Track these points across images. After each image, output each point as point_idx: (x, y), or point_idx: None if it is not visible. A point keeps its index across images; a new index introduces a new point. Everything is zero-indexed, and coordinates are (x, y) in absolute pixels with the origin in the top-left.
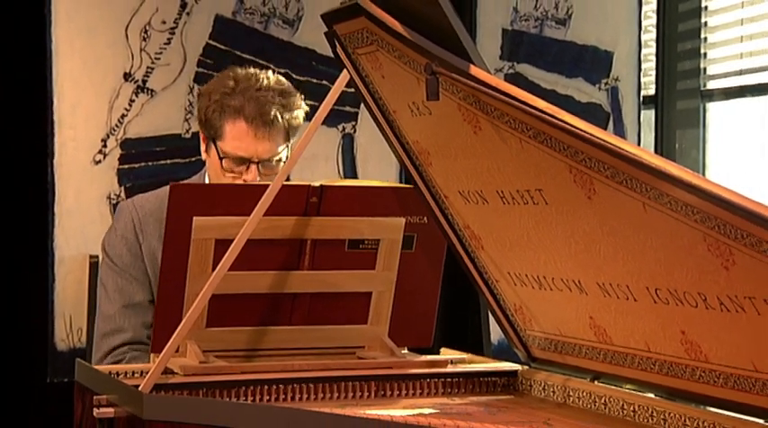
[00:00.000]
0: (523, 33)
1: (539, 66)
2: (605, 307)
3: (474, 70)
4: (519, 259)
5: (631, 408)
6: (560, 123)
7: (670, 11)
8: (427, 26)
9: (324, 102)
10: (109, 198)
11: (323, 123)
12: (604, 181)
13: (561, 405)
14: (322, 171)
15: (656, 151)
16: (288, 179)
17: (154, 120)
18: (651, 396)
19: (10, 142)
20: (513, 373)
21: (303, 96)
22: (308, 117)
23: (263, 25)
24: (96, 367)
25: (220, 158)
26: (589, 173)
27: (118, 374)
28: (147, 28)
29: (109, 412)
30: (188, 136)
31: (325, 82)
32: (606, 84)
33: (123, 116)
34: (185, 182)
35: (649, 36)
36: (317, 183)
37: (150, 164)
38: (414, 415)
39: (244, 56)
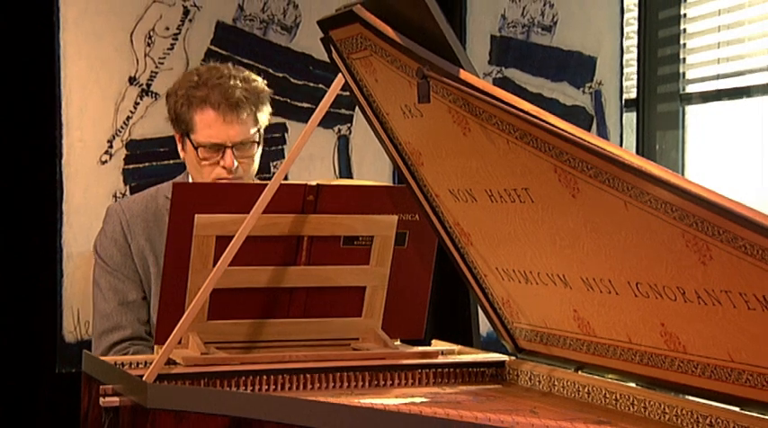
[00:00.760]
0: (511, 39)
1: (525, 70)
2: (588, 301)
3: (463, 74)
4: (506, 255)
5: (613, 397)
6: (546, 125)
7: (651, 18)
8: (419, 32)
9: (320, 105)
10: (115, 196)
11: (319, 125)
12: (588, 180)
13: (546, 394)
14: (318, 171)
15: (637, 152)
16: (286, 178)
17: (158, 122)
18: (632, 385)
19: (20, 143)
20: (501, 364)
21: (267, 80)
22: (305, 119)
23: (262, 31)
24: (102, 358)
25: (195, 149)
26: (573, 173)
27: (123, 365)
28: (152, 34)
29: (114, 401)
30: None
31: (321, 85)
32: (590, 87)
33: (128, 118)
34: (165, 184)
35: (631, 42)
36: (313, 183)
37: (154, 164)
38: (406, 404)
39: (243, 60)
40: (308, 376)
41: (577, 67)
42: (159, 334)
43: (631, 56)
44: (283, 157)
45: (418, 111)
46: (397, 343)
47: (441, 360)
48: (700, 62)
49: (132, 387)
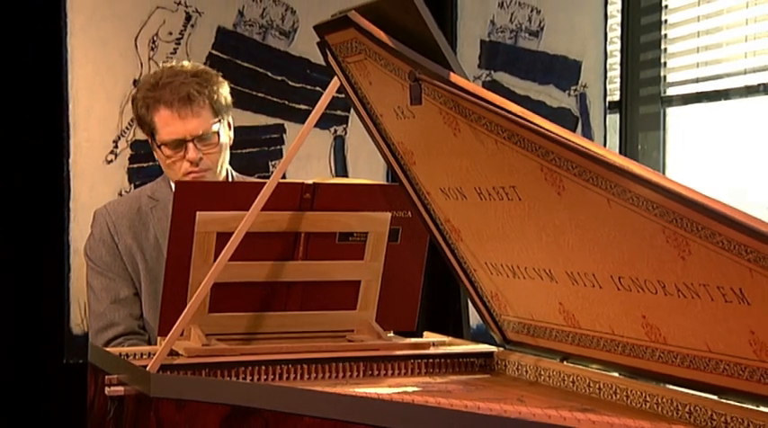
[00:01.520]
0: (500, 44)
1: (514, 74)
2: (573, 294)
3: (454, 77)
4: (495, 250)
5: (597, 386)
6: (533, 126)
7: (633, 24)
8: (411, 37)
9: (316, 106)
10: (120, 194)
11: (316, 125)
12: (573, 178)
13: (533, 383)
14: (315, 170)
15: (620, 152)
16: (284, 177)
17: None
18: (615, 374)
19: (29, 143)
20: (490, 354)
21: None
22: (303, 120)
23: (262, 36)
24: (107, 349)
25: (159, 147)
26: (559, 172)
27: (127, 356)
28: (155, 39)
29: (119, 390)
30: None
31: (318, 88)
32: (575, 90)
33: (133, 120)
34: (147, 186)
35: (614, 47)
36: (310, 181)
37: (157, 163)
38: (398, 393)
39: (243, 64)
40: (305, 366)
41: (563, 71)
42: (162, 327)
43: (615, 60)
44: (281, 157)
45: (410, 112)
46: (391, 334)
47: (432, 351)
48: (680, 66)
49: (136, 377)
